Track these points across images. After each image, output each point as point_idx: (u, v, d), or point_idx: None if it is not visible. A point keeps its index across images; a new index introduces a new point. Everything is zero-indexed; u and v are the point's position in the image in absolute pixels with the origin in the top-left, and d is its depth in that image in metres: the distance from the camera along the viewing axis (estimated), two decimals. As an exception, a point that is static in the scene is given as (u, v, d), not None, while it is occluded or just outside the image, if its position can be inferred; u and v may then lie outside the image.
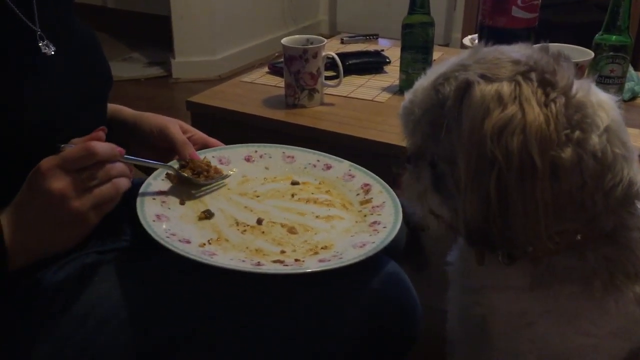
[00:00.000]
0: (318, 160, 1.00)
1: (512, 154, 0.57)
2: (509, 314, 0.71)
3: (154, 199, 0.87)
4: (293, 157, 1.01)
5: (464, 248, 0.78)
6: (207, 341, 0.79)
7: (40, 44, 0.76)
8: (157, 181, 0.90)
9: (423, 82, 0.69)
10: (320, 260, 0.79)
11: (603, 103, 0.64)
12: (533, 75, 0.60)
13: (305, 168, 1.00)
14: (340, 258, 0.79)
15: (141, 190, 0.86)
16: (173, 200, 0.88)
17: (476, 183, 0.59)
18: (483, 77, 0.61)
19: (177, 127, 0.96)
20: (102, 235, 0.86)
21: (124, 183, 0.76)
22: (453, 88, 0.63)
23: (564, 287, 0.66)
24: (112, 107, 0.99)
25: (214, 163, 0.97)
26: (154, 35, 3.63)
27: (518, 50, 0.65)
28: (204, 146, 0.99)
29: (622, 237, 0.66)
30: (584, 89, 0.63)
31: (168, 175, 0.91)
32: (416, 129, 0.69)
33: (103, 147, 0.73)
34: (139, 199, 0.84)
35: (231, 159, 0.99)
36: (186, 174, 0.91)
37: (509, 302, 0.71)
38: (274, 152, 1.01)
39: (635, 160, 0.65)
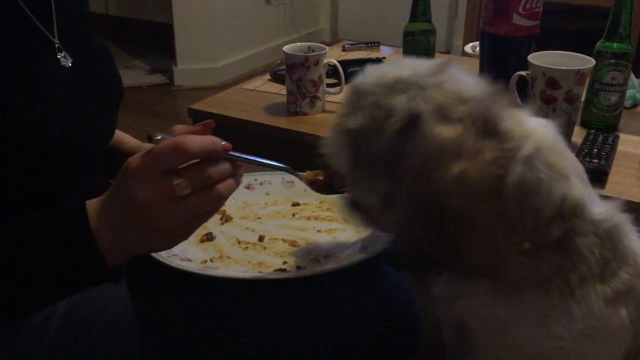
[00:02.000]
0: None
1: (462, 210, 0.60)
2: (481, 319, 0.72)
3: None
4: (293, 182, 1.02)
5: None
6: (209, 347, 0.78)
7: (59, 56, 0.77)
8: None
9: (385, 72, 0.68)
10: (322, 266, 0.79)
11: (530, 129, 0.66)
12: (480, 118, 0.62)
13: (305, 190, 1.00)
14: (341, 263, 0.79)
15: None
16: None
17: (423, 224, 0.62)
18: (436, 112, 0.62)
19: None
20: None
21: (228, 187, 0.62)
22: (405, 108, 0.63)
23: (525, 294, 0.68)
24: (116, 135, 0.99)
25: None
26: (156, 42, 3.64)
27: (475, 85, 0.67)
28: None
29: (572, 243, 0.67)
30: (515, 116, 0.66)
31: None
32: (357, 113, 0.68)
33: (198, 143, 0.60)
34: None
35: None
36: None
37: (478, 308, 0.72)
38: (274, 179, 1.02)
39: (569, 177, 0.67)
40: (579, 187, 0.68)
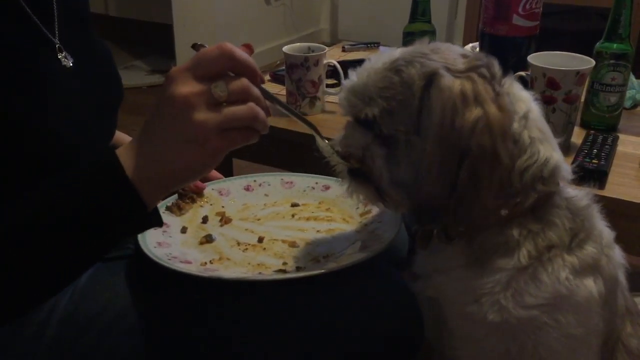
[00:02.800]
0: (317, 183, 1.01)
1: (484, 148, 0.66)
2: (456, 293, 0.75)
3: (155, 229, 0.87)
4: (292, 183, 1.02)
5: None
6: (211, 347, 0.78)
7: (59, 56, 0.77)
8: None
9: (374, 65, 0.74)
10: (322, 266, 0.79)
11: (522, 95, 0.73)
12: (484, 71, 0.69)
13: (304, 191, 1.01)
14: (341, 263, 0.79)
15: None
16: (174, 230, 0.90)
17: (444, 167, 0.67)
18: (445, 68, 0.69)
19: None
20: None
21: (261, 113, 0.62)
22: (419, 72, 0.69)
23: (494, 261, 0.72)
24: (116, 137, 0.98)
25: (214, 195, 0.98)
26: (156, 43, 3.64)
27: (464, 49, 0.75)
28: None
29: (546, 212, 0.72)
30: (509, 82, 0.72)
31: (169, 208, 0.93)
32: (372, 103, 0.72)
33: (241, 52, 0.62)
34: None
35: (231, 190, 1.00)
36: (185, 203, 0.95)
37: (453, 282, 0.75)
38: (273, 180, 1.03)
39: (552, 141, 0.73)
40: (559, 153, 0.74)
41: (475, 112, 0.66)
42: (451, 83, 0.67)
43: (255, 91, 0.62)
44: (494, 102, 0.67)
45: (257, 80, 0.63)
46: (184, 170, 0.64)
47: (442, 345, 0.83)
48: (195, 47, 0.63)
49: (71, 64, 0.78)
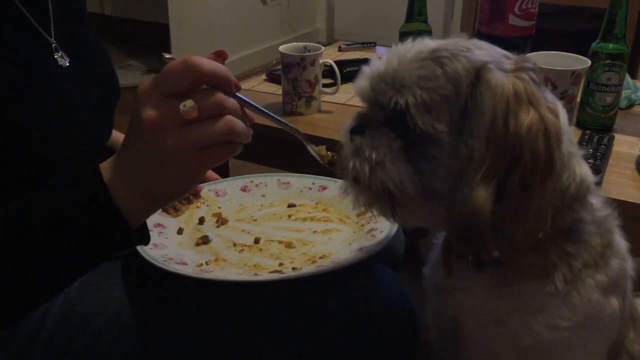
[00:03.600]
0: (313, 183, 1.01)
1: (538, 154, 0.59)
2: (478, 313, 0.72)
3: (150, 230, 0.87)
4: (289, 183, 1.02)
5: (436, 258, 0.78)
6: (206, 348, 0.78)
7: (56, 56, 0.76)
8: (155, 215, 0.91)
9: (406, 52, 0.65)
10: (318, 267, 0.79)
11: (556, 103, 0.65)
12: (530, 75, 0.62)
13: (301, 192, 1.01)
14: (338, 263, 0.79)
15: None
16: (171, 231, 0.89)
17: (492, 176, 0.60)
18: (495, 64, 0.62)
19: None
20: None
21: (239, 126, 0.59)
22: (466, 67, 0.62)
23: (527, 284, 0.68)
24: (112, 136, 0.98)
25: (211, 196, 0.98)
26: (152, 42, 3.63)
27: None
28: None
29: (579, 231, 0.68)
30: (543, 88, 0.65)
31: (165, 209, 0.93)
32: (399, 93, 0.63)
33: (210, 63, 0.57)
34: None
35: (227, 191, 1.00)
36: (182, 204, 0.94)
37: (477, 301, 0.71)
38: (270, 181, 1.02)
39: (579, 154, 0.68)
40: (587, 167, 0.68)
41: (531, 115, 0.59)
42: (503, 80, 0.60)
43: (231, 103, 0.59)
44: (547, 108, 0.61)
45: (231, 90, 0.60)
46: (166, 190, 0.62)
47: (454, 352, 0.80)
48: (163, 59, 0.59)
49: (67, 64, 0.77)
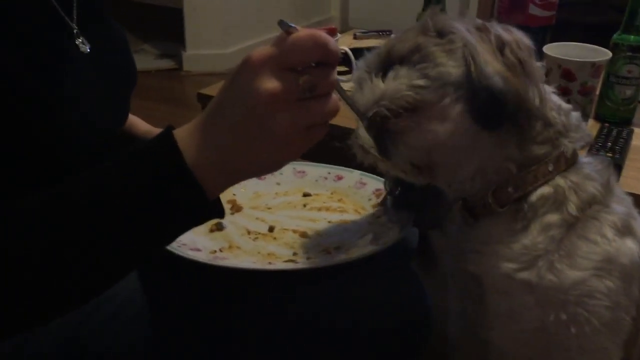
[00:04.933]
0: (329, 173, 1.00)
1: (518, 40, 0.69)
2: (504, 263, 0.71)
3: None
4: (304, 172, 1.01)
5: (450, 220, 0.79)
6: (216, 336, 0.78)
7: (77, 42, 0.76)
8: None
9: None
10: (333, 258, 0.79)
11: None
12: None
13: (316, 181, 1.00)
14: (352, 255, 0.78)
15: None
16: None
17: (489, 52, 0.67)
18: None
19: None
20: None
21: (337, 107, 0.56)
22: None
23: (544, 219, 0.70)
24: (129, 119, 0.97)
25: None
26: (166, 27, 3.62)
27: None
28: None
29: (581, 167, 0.72)
30: None
31: None
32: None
33: (334, 42, 0.54)
34: None
35: None
36: None
37: (502, 252, 0.71)
38: (285, 169, 1.01)
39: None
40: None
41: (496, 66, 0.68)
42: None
43: (335, 83, 0.56)
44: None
45: (335, 69, 0.56)
46: (260, 168, 0.59)
47: (476, 326, 0.80)
48: (282, 25, 0.54)
49: (88, 50, 0.77)
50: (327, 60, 0.55)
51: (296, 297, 0.78)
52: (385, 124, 0.69)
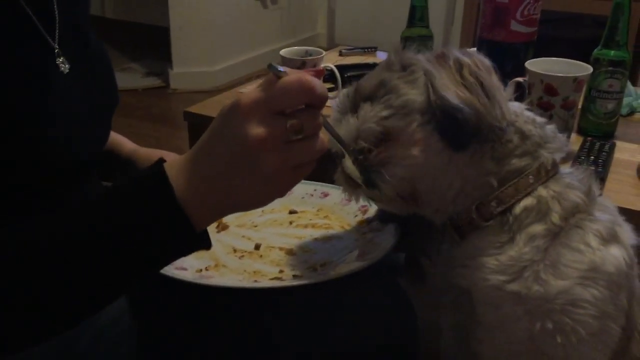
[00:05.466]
0: (315, 190, 1.01)
1: (477, 60, 0.72)
2: (492, 276, 0.72)
3: None
4: (290, 190, 1.01)
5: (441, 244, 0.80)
6: (205, 352, 0.78)
7: (57, 61, 0.76)
8: None
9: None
10: (319, 275, 0.79)
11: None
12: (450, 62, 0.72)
13: (302, 198, 1.00)
14: (339, 271, 0.78)
15: None
16: None
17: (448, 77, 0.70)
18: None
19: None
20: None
21: (324, 147, 0.59)
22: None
23: (528, 229, 0.71)
24: (112, 139, 0.97)
25: None
26: (152, 45, 3.64)
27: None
28: None
29: (562, 177, 0.73)
30: None
31: None
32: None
33: (321, 85, 0.56)
34: None
35: None
36: None
37: (488, 264, 0.72)
38: None
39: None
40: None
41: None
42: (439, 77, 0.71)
43: (320, 122, 0.58)
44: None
45: (321, 109, 0.59)
46: (248, 205, 0.61)
47: (467, 340, 0.80)
48: (271, 69, 0.56)
49: (68, 70, 0.77)
50: (314, 103, 0.57)
51: (283, 314, 0.78)
52: (366, 159, 0.72)
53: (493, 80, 0.72)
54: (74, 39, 0.80)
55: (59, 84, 0.75)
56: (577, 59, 1.14)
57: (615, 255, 0.71)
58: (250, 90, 0.56)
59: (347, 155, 0.74)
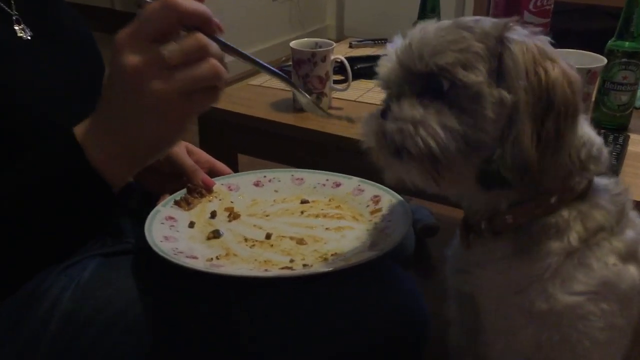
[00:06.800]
0: (327, 180, 1.00)
1: (569, 102, 0.65)
2: (498, 286, 0.72)
3: (162, 223, 0.87)
4: (302, 179, 1.01)
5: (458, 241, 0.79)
6: (212, 344, 0.78)
7: (16, 28, 0.75)
8: (167, 208, 0.90)
9: (427, 27, 0.69)
10: (329, 264, 0.79)
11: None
12: (545, 38, 0.68)
13: (314, 188, 1.00)
14: (350, 261, 0.78)
15: (150, 216, 0.86)
16: (182, 224, 0.89)
17: (534, 119, 0.64)
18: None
19: (184, 151, 0.95)
20: (103, 237, 0.85)
21: (223, 69, 0.58)
22: (492, 26, 0.67)
23: (543, 246, 0.69)
24: None
25: (223, 190, 0.97)
26: (162, 38, 3.63)
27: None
28: (210, 168, 0.99)
29: (593, 196, 0.71)
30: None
31: (177, 202, 0.92)
32: (436, 56, 0.66)
33: (189, 2, 0.56)
34: (147, 223, 0.84)
35: (240, 185, 0.99)
36: (194, 198, 0.93)
37: (496, 274, 0.72)
38: (283, 176, 1.01)
39: (585, 119, 0.72)
40: (592, 132, 0.73)
41: (556, 67, 0.64)
42: (525, 38, 0.66)
43: (213, 46, 0.57)
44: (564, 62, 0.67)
45: (212, 29, 0.58)
46: (151, 142, 0.60)
47: (474, 342, 0.80)
48: (139, 2, 0.56)
49: (29, 37, 0.76)
50: (187, 22, 0.56)
51: (291, 304, 0.78)
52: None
53: (572, 125, 0.66)
54: (37, 8, 0.79)
55: (19, 51, 0.74)
56: (590, 51, 1.12)
57: (631, 273, 0.70)
58: (126, 27, 0.56)
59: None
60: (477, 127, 0.65)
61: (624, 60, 1.15)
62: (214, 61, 0.57)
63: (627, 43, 1.15)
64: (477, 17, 0.69)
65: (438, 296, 0.84)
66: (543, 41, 0.67)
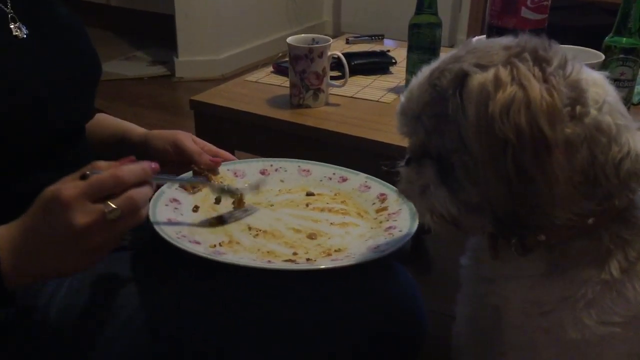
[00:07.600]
0: (334, 173, 1.00)
1: (522, 131, 0.57)
2: (524, 303, 0.69)
3: (166, 205, 0.87)
4: (309, 171, 1.00)
5: (476, 245, 0.76)
6: (209, 339, 0.78)
7: (12, 26, 0.75)
8: (171, 190, 0.90)
9: (418, 79, 0.68)
10: (333, 260, 0.79)
11: (596, 80, 0.65)
12: (526, 56, 0.61)
13: (320, 181, 0.99)
14: (353, 258, 0.78)
15: (154, 197, 0.86)
16: (186, 207, 0.88)
17: (493, 166, 0.59)
18: (477, 65, 0.61)
19: (190, 140, 0.96)
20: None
21: (145, 213, 0.70)
22: (448, 80, 0.63)
23: (579, 272, 0.65)
24: (122, 126, 0.98)
25: (229, 176, 0.97)
26: (158, 34, 3.62)
27: (508, 39, 0.66)
28: (215, 155, 0.99)
29: (635, 217, 0.65)
30: (576, 68, 0.63)
31: (182, 185, 0.91)
32: (417, 125, 0.67)
33: (132, 174, 0.67)
34: (151, 204, 0.83)
35: (246, 172, 0.99)
36: (199, 182, 0.93)
37: (524, 290, 0.69)
38: (290, 166, 1.01)
39: (634, 128, 0.65)
40: None
41: (508, 91, 0.57)
42: (483, 76, 0.60)
43: (141, 195, 0.67)
44: (539, 81, 0.58)
45: (148, 178, 0.69)
46: (67, 272, 0.69)
47: (486, 345, 0.78)
48: (84, 177, 0.66)
49: (25, 35, 0.76)
50: (133, 185, 0.66)
51: (291, 297, 0.78)
52: None
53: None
54: (33, 6, 0.79)
55: (14, 49, 0.73)
56: (588, 47, 1.12)
57: None
58: (63, 184, 0.65)
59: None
60: (465, 191, 0.64)
61: (621, 56, 1.15)
62: (142, 211, 0.68)
63: (624, 39, 1.15)
64: (452, 58, 0.65)
65: (435, 292, 0.84)
66: (514, 63, 0.60)
